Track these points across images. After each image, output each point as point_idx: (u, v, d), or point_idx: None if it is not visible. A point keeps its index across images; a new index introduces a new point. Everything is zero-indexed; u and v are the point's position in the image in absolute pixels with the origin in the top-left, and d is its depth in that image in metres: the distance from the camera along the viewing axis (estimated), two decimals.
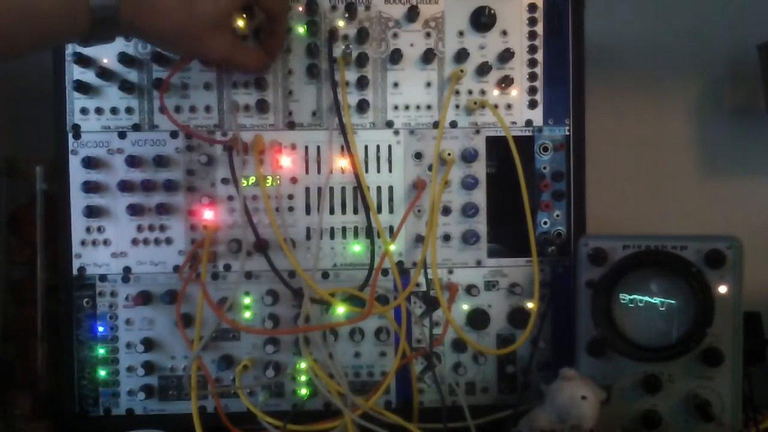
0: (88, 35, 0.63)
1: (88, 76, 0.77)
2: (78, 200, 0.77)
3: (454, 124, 0.79)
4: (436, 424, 0.73)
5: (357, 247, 0.78)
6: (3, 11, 0.56)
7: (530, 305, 0.78)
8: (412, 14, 0.77)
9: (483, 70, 0.77)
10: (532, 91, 0.79)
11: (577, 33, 0.79)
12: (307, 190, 0.78)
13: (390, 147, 0.79)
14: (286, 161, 0.78)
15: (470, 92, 0.79)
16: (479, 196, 0.79)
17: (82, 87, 0.76)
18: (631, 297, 0.71)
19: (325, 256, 0.79)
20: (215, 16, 0.67)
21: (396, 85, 0.78)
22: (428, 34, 0.78)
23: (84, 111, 0.77)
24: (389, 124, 0.79)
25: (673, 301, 0.70)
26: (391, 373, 0.75)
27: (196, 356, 0.74)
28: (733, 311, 0.70)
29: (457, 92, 0.79)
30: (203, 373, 0.76)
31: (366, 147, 0.78)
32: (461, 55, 0.77)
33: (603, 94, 0.94)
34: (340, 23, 0.77)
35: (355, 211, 0.78)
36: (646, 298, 0.71)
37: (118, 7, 0.61)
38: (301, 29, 0.77)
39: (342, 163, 0.78)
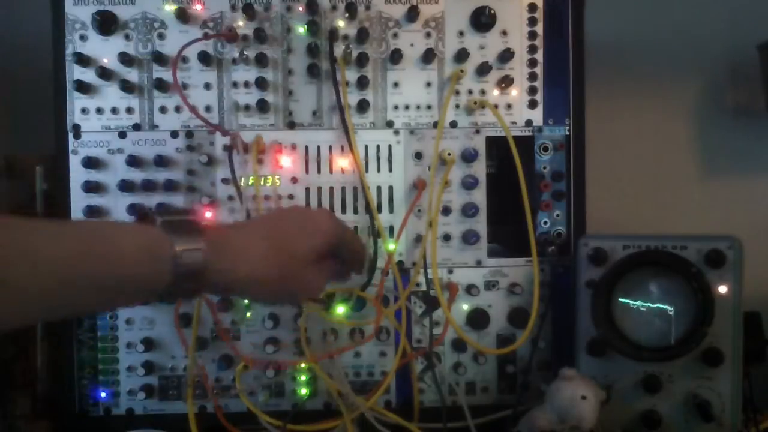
0: (166, 293, 0.52)
1: (88, 76, 0.77)
2: (78, 200, 0.77)
3: (454, 124, 0.79)
4: (436, 424, 0.73)
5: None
6: (81, 275, 0.46)
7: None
8: (412, 14, 0.77)
9: (483, 70, 0.77)
10: (532, 91, 0.79)
11: (577, 33, 0.79)
12: (307, 190, 0.78)
13: (390, 147, 0.79)
14: (287, 161, 0.78)
15: (470, 92, 0.79)
16: (479, 196, 0.79)
17: (83, 87, 0.76)
18: (632, 302, 0.71)
19: None
20: (313, 251, 0.60)
21: (396, 85, 0.78)
22: (428, 34, 0.78)
23: (84, 111, 0.77)
24: (389, 124, 0.79)
25: (672, 307, 0.70)
26: (390, 372, 0.75)
27: (195, 359, 0.74)
28: (733, 311, 0.70)
29: (457, 92, 0.79)
30: (202, 376, 0.76)
31: (366, 147, 0.78)
32: (461, 55, 0.77)
33: (603, 94, 0.94)
34: (341, 23, 0.77)
35: (356, 211, 0.78)
36: (647, 304, 0.71)
37: (206, 261, 0.52)
38: (301, 29, 0.77)
39: (342, 163, 0.78)
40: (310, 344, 0.76)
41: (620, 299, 0.71)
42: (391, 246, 0.77)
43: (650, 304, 0.70)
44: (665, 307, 0.70)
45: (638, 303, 0.71)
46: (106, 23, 0.76)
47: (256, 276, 0.57)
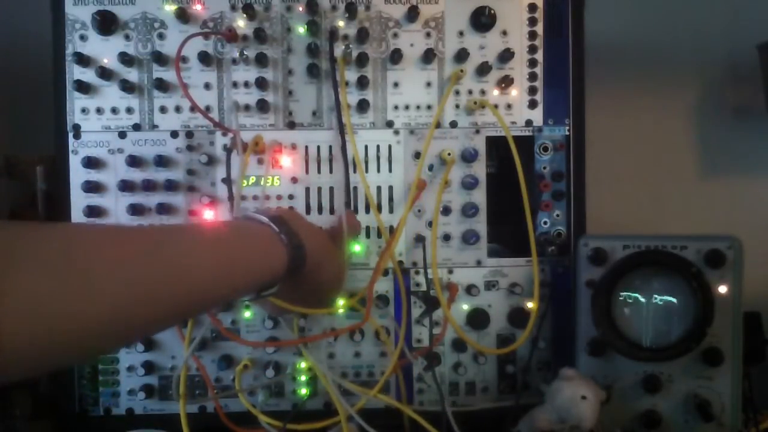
0: (284, 275, 0.60)
1: (88, 76, 0.77)
2: (78, 200, 0.77)
3: (454, 124, 0.79)
4: (435, 408, 0.73)
5: (357, 247, 0.78)
6: (204, 273, 0.52)
7: (530, 305, 0.77)
8: (412, 14, 0.77)
9: (483, 70, 0.77)
10: (532, 91, 0.79)
11: (577, 33, 0.79)
12: (307, 190, 0.78)
13: (390, 147, 0.79)
14: (286, 161, 0.78)
15: (470, 92, 0.79)
16: (479, 196, 0.79)
17: (82, 87, 0.76)
18: (632, 295, 0.71)
19: None
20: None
21: (396, 85, 0.78)
22: (428, 34, 0.78)
23: (84, 111, 0.77)
24: (389, 124, 0.79)
25: (673, 299, 0.70)
26: (389, 370, 0.75)
27: (190, 355, 0.74)
28: (733, 311, 0.71)
29: (457, 92, 0.79)
30: (201, 374, 0.76)
31: (366, 147, 0.78)
32: (461, 55, 0.77)
33: (603, 94, 0.94)
34: (341, 23, 0.77)
35: (355, 211, 0.78)
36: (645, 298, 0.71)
37: (304, 257, 0.60)
38: (301, 29, 0.77)
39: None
40: (308, 344, 0.76)
41: (621, 293, 0.71)
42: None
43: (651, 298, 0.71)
44: (669, 298, 0.70)
45: (640, 296, 0.71)
46: (106, 23, 0.76)
47: (330, 280, 0.67)
